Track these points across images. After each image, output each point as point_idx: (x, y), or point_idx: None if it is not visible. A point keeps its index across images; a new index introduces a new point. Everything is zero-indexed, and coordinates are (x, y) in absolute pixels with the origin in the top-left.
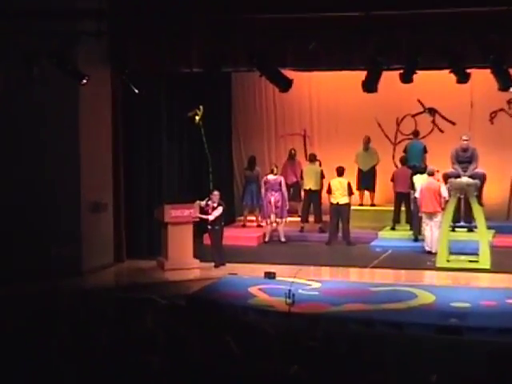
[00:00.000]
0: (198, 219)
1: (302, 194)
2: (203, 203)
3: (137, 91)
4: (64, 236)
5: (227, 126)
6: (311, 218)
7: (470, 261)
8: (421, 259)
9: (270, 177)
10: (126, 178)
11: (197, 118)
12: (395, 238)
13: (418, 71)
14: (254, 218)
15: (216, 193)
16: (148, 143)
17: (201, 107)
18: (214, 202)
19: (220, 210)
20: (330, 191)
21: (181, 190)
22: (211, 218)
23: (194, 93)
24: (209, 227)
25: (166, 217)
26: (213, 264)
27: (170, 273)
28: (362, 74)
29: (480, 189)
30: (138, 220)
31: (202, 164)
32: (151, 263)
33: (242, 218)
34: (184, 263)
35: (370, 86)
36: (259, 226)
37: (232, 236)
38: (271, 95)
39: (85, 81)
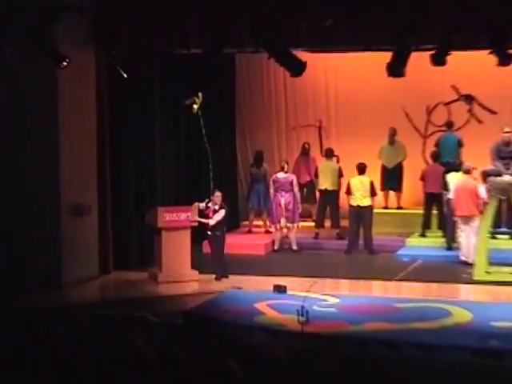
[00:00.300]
0: (196, 224)
1: (317, 194)
2: (202, 205)
3: (125, 76)
4: (41, 244)
5: (230, 117)
6: (327, 223)
7: None
8: (455, 271)
9: (280, 175)
10: (114, 176)
11: (195, 106)
12: (425, 246)
13: (452, 52)
14: (261, 223)
15: (218, 194)
16: (139, 137)
17: (200, 94)
18: (215, 204)
19: (222, 213)
20: (349, 192)
21: (177, 190)
22: (212, 222)
23: (191, 78)
24: (209, 233)
25: (159, 221)
26: (213, 276)
27: (164, 286)
28: (387, 56)
29: None
30: (127, 225)
31: (201, 161)
32: (142, 275)
33: (247, 222)
34: (180, 275)
35: (396, 69)
36: (267, 231)
37: (236, 243)
38: (281, 80)
39: (65, 64)
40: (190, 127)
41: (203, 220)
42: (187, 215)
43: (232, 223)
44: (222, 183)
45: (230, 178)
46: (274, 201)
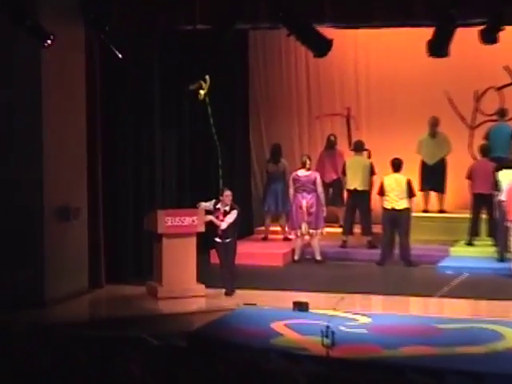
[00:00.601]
0: (203, 229)
1: (345, 195)
2: (208, 205)
3: (120, 57)
4: (21, 253)
5: (243, 104)
6: (357, 229)
7: None
8: (508, 286)
9: (301, 173)
10: (107, 174)
11: (201, 92)
12: (473, 256)
13: (505, 27)
14: (279, 229)
15: (228, 193)
16: (136, 128)
17: (207, 78)
18: (225, 205)
19: (234, 214)
20: (382, 192)
21: (180, 190)
22: (224, 225)
23: (197, 59)
24: (217, 240)
25: (159, 226)
26: (223, 291)
27: (164, 302)
28: (427, 32)
29: None
30: (123, 230)
31: (208, 156)
32: (139, 289)
33: (262, 228)
34: (184, 289)
35: (438, 48)
36: (286, 239)
37: (249, 253)
38: (303, 62)
39: (49, 42)
40: (195, 117)
41: (215, 220)
42: (193, 219)
43: (245, 229)
44: (233, 182)
45: (242, 177)
46: (293, 203)
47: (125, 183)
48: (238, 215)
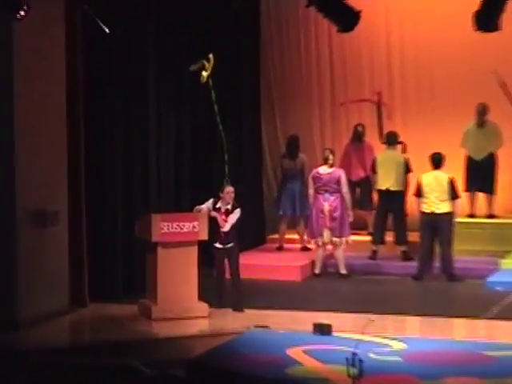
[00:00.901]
0: (207, 233)
1: (375, 197)
2: (205, 207)
3: (107, 31)
4: None
5: (253, 88)
6: (389, 237)
7: None
8: None
9: (323, 170)
10: (91, 172)
11: (204, 74)
12: None
13: None
14: (296, 237)
15: (230, 189)
16: (126, 117)
17: (210, 57)
18: (226, 203)
19: (237, 213)
20: (420, 193)
21: (178, 191)
22: (227, 227)
23: (200, 34)
24: (218, 246)
25: (154, 234)
26: (229, 310)
27: (160, 324)
28: (473, 2)
29: None
30: (110, 239)
31: (212, 150)
32: (130, 309)
33: (276, 236)
34: (184, 309)
35: (486, 20)
36: (305, 248)
37: (261, 265)
38: (325, 37)
39: (23, 13)
40: (196, 104)
41: (219, 219)
42: (193, 225)
43: (256, 237)
44: (241, 181)
45: (252, 174)
46: (314, 205)
47: (113, 183)
48: (241, 215)
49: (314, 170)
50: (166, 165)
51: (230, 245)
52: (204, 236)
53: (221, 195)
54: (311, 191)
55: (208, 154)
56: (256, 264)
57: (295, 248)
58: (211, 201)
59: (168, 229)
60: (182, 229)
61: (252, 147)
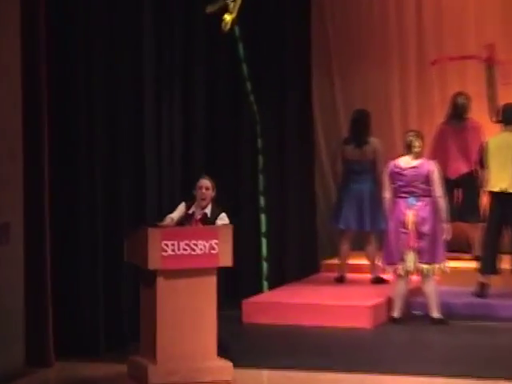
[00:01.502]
0: (232, 257)
1: (485, 203)
2: (169, 218)
3: None
4: None
5: (301, 43)
6: (506, 264)
7: None
8: None
9: (405, 162)
10: (58, 170)
11: (227, 18)
12: None
13: None
14: (365, 263)
15: (204, 183)
16: (109, 94)
17: None
18: (203, 207)
19: (223, 220)
20: None
21: (186, 197)
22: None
23: None
24: None
25: (152, 258)
26: (264, 372)
27: None
28: None
29: None
30: (85, 264)
31: (237, 134)
32: (115, 369)
33: (335, 261)
34: (195, 370)
35: None
36: (378, 280)
37: (314, 305)
38: None
39: None
40: (216, 64)
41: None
42: (211, 244)
43: (305, 263)
44: (282, 179)
45: (298, 169)
46: (392, 216)
47: (91, 184)
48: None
49: (392, 163)
50: (168, 158)
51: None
52: (227, 261)
53: (194, 193)
54: (387, 194)
55: (232, 138)
56: (305, 303)
57: (363, 279)
58: (182, 204)
59: (173, 250)
60: (193, 250)
61: (299, 128)
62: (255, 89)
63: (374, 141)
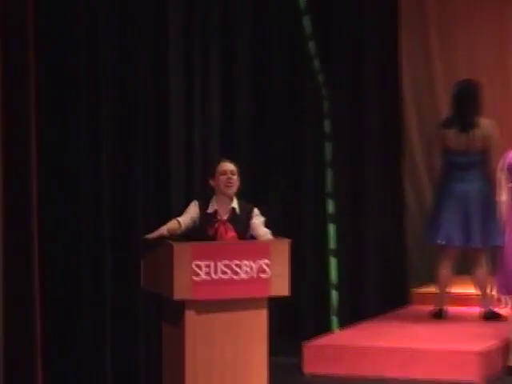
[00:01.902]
0: (288, 283)
1: None
2: (165, 229)
3: None
4: None
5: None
6: None
7: None
8: None
9: None
10: (50, 177)
11: None
12: None
13: None
14: (473, 292)
15: (228, 167)
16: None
17: None
18: (226, 201)
19: (258, 217)
20: None
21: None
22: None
23: None
24: None
25: (180, 283)
26: None
27: None
28: None
29: None
30: (87, 291)
31: (299, 116)
32: None
33: (432, 289)
34: None
35: None
36: (492, 316)
37: (403, 349)
38: None
39: None
40: (259, 31)
41: (219, 232)
42: (260, 266)
43: (391, 291)
44: (358, 178)
45: (381, 163)
46: (510, 226)
47: (94, 186)
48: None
49: (510, 154)
50: (201, 157)
51: None
52: (283, 289)
53: (212, 184)
54: (504, 197)
55: (288, 126)
56: (390, 348)
57: (470, 314)
58: (194, 205)
59: (208, 273)
60: (236, 273)
61: (382, 110)
62: (325, 62)
63: (486, 123)
